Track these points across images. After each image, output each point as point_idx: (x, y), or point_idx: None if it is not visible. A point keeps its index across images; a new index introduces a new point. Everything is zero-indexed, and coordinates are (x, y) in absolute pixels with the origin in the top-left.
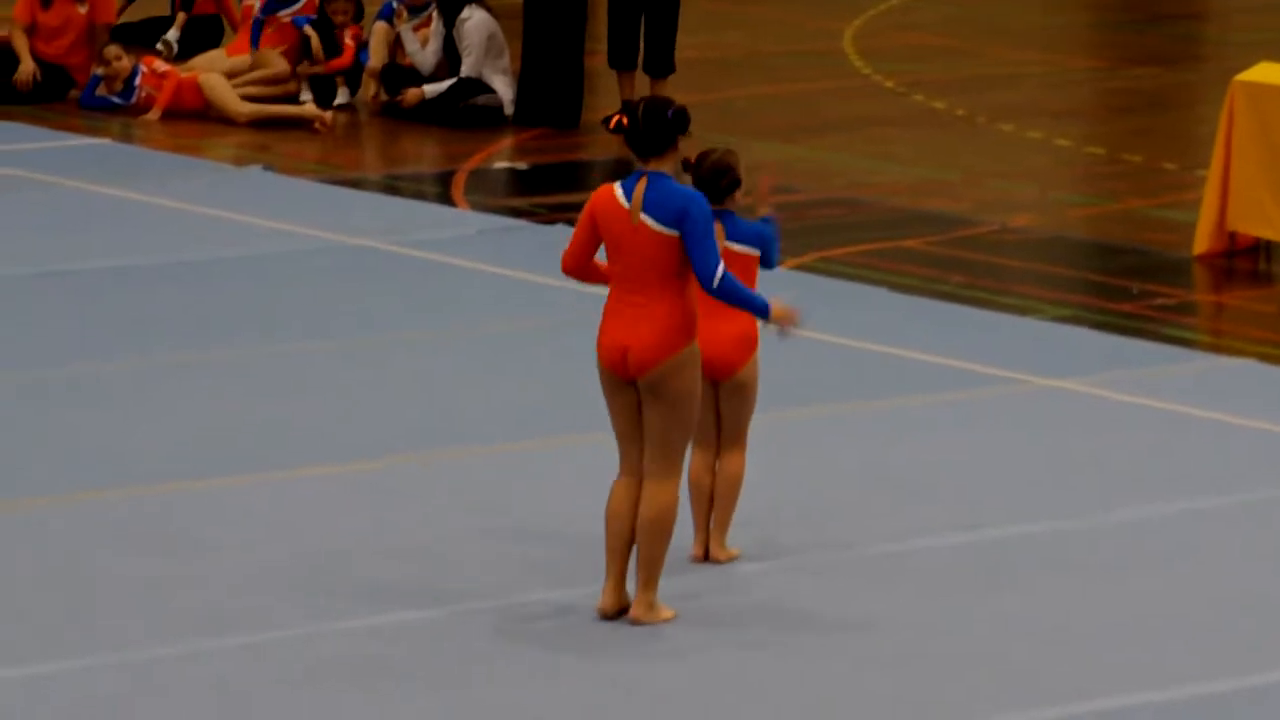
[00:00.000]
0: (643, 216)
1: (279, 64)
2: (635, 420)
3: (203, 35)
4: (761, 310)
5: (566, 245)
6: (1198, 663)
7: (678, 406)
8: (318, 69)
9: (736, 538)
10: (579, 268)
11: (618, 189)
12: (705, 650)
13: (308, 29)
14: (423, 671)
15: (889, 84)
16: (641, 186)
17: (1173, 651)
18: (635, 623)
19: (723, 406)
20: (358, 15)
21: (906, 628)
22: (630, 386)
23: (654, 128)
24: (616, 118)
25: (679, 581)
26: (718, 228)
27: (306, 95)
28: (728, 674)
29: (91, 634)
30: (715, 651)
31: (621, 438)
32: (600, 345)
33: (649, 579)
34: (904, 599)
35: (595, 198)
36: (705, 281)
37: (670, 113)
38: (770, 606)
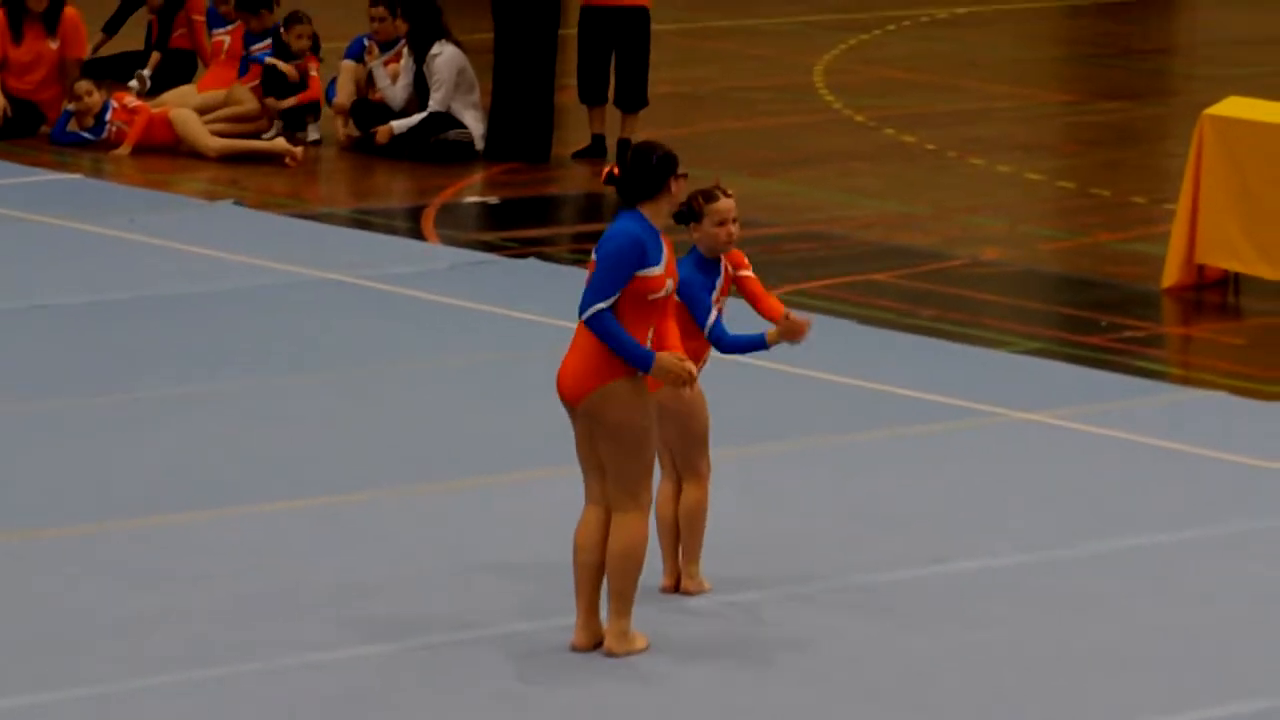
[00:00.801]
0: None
1: (249, 101)
2: (592, 449)
3: (176, 70)
4: (637, 362)
5: (540, 280)
6: (1165, 695)
7: (620, 437)
8: (287, 103)
9: (708, 569)
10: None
11: None
12: (677, 680)
13: (270, 60)
14: (403, 704)
15: (859, 118)
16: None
17: (1141, 683)
18: (609, 654)
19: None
20: (314, 47)
21: (878, 659)
22: (578, 415)
23: (640, 173)
24: (607, 169)
25: (649, 611)
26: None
27: (274, 131)
28: (699, 703)
29: (71, 667)
30: (687, 681)
31: (583, 465)
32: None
33: (619, 610)
34: (875, 631)
35: None
36: (580, 312)
37: (655, 157)
38: (742, 637)
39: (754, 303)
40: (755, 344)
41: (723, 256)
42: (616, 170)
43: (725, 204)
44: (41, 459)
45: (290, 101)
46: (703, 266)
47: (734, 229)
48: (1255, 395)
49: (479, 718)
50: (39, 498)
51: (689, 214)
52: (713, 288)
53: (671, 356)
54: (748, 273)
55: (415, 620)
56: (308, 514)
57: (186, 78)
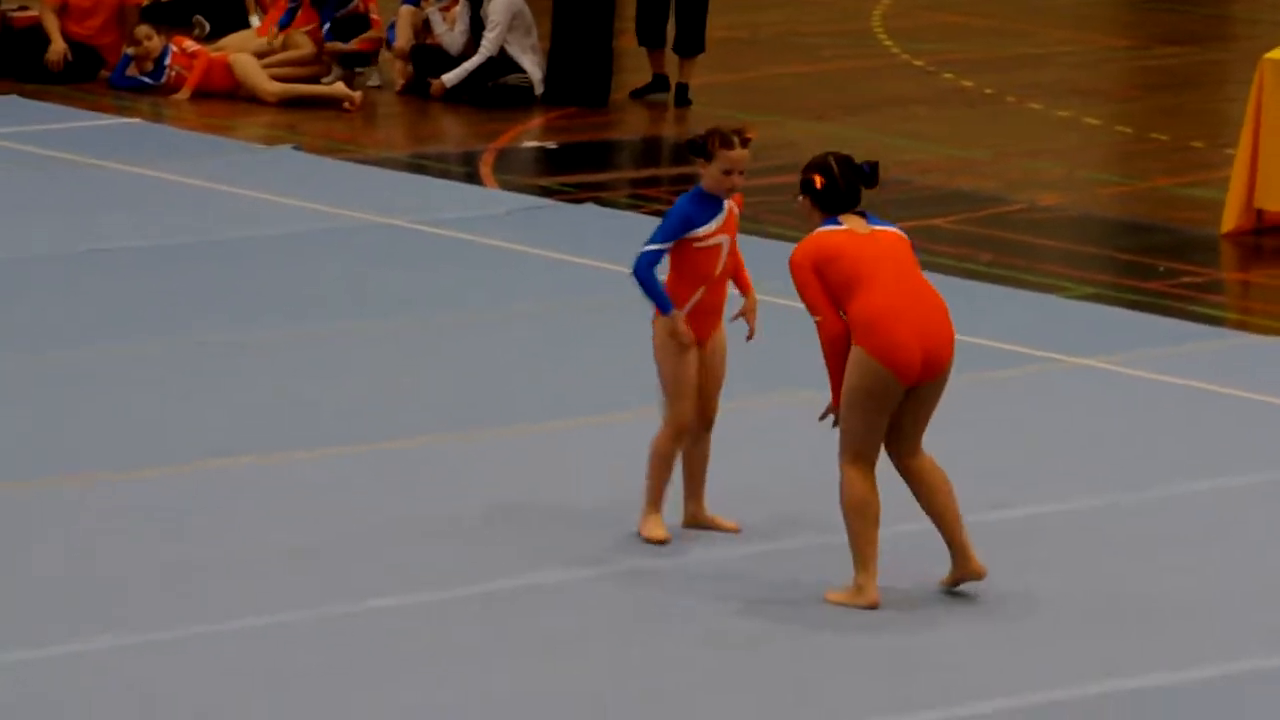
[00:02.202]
0: None
1: (306, 45)
2: (925, 413)
3: (231, 13)
4: (660, 305)
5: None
6: (1225, 641)
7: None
8: (350, 46)
9: (756, 512)
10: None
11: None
12: (729, 628)
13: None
14: (456, 651)
15: (918, 63)
16: None
17: (1202, 630)
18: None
19: None
20: None
21: (935, 604)
22: (939, 380)
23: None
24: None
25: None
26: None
27: (333, 75)
28: (754, 651)
29: (120, 613)
30: (741, 629)
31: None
32: None
33: (854, 558)
34: (933, 577)
35: None
36: None
37: (867, 168)
38: (797, 582)
39: (733, 270)
40: (661, 304)
41: (729, 200)
42: (820, 182)
43: (739, 154)
44: (99, 404)
45: (353, 45)
46: (704, 203)
47: (739, 180)
48: None
49: (533, 665)
50: (94, 442)
51: (701, 149)
52: (705, 224)
53: (679, 318)
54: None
55: (472, 566)
56: (364, 459)
57: (243, 22)
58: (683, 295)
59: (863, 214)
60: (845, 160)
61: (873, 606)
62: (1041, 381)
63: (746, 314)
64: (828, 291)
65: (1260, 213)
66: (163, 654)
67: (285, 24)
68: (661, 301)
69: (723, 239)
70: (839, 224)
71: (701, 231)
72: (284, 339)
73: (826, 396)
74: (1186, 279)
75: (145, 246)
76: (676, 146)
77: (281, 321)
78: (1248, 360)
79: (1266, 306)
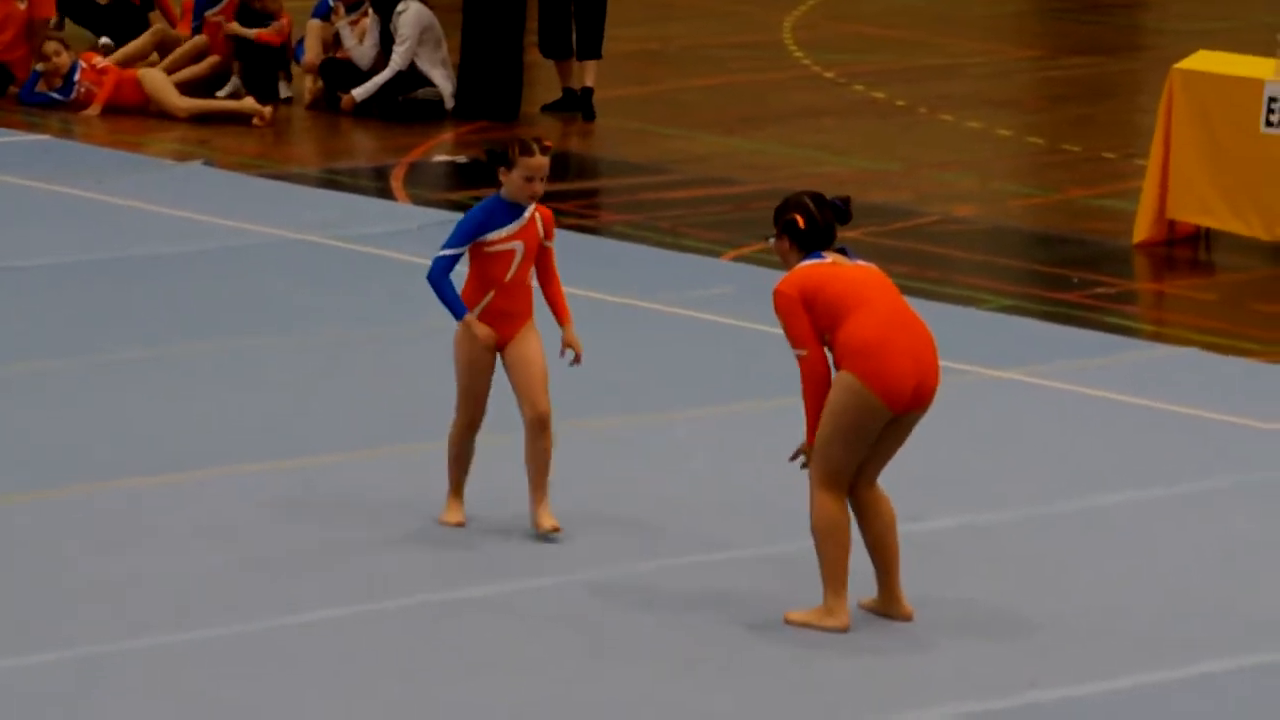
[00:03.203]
0: None
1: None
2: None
3: (128, 21)
4: (455, 311)
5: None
6: (1140, 654)
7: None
8: (247, 33)
9: (685, 526)
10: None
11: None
12: (671, 643)
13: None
14: (398, 664)
15: (829, 75)
16: None
17: (1115, 642)
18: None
19: None
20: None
21: (854, 617)
22: (920, 412)
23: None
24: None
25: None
26: None
27: (233, 85)
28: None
29: (53, 630)
30: (687, 641)
31: (877, 459)
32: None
33: (823, 580)
34: (852, 590)
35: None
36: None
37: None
38: (721, 596)
39: (544, 281)
40: (453, 309)
41: (532, 206)
42: (802, 222)
43: (539, 161)
44: (11, 422)
45: (254, 33)
46: (500, 210)
47: (540, 186)
48: (1227, 351)
49: (469, 681)
50: (11, 461)
51: (502, 158)
52: (498, 229)
53: (472, 321)
54: (551, 243)
55: (393, 579)
56: (281, 476)
57: (139, 28)
58: (474, 298)
59: (842, 250)
60: (819, 197)
61: (843, 629)
62: (956, 393)
63: (568, 346)
64: (814, 324)
65: (1172, 223)
66: (96, 669)
67: (198, 28)
68: (453, 306)
69: (517, 245)
70: (822, 258)
71: (492, 236)
72: (195, 355)
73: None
74: (1100, 290)
75: (55, 264)
76: (586, 160)
77: (194, 339)
78: (1162, 371)
79: (1180, 317)
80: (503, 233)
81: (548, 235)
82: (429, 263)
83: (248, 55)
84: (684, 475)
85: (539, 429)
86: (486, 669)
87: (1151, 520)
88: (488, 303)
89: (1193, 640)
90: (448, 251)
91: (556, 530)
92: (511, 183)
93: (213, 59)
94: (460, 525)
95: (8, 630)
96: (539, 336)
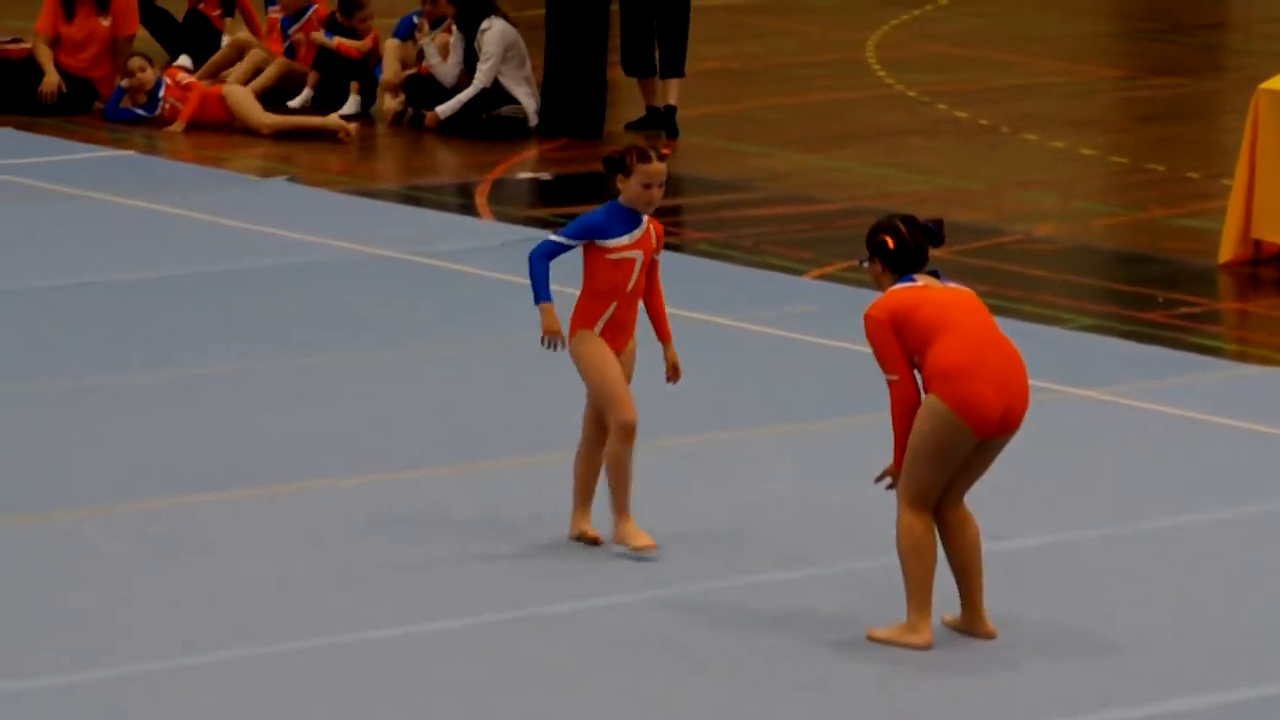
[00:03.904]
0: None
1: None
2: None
3: (203, 39)
4: (539, 294)
5: None
6: (1221, 672)
7: None
8: (327, 43)
9: (757, 541)
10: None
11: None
12: (734, 662)
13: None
14: (443, 683)
15: (912, 93)
16: None
17: (1197, 660)
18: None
19: None
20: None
21: (938, 635)
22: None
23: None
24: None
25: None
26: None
27: (305, 96)
28: (762, 674)
29: (111, 647)
30: (754, 659)
31: (965, 479)
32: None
33: (907, 598)
34: (935, 607)
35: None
36: None
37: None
38: (789, 614)
39: (649, 295)
40: (537, 290)
41: (647, 219)
42: (892, 243)
43: (656, 168)
44: (90, 435)
45: (336, 41)
46: (619, 216)
47: (657, 193)
48: None
49: (521, 700)
50: (92, 474)
51: (620, 165)
52: (617, 235)
53: (551, 313)
54: (658, 257)
55: (467, 598)
56: (361, 492)
57: (215, 44)
58: (597, 310)
59: (934, 273)
60: (911, 220)
61: (926, 647)
62: (1039, 413)
63: (672, 369)
64: (904, 349)
65: (1258, 243)
66: (151, 687)
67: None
68: (538, 288)
69: (637, 254)
70: (914, 280)
71: (613, 243)
72: (279, 371)
73: (818, 427)
74: (1184, 310)
75: (139, 279)
76: (669, 177)
77: (276, 354)
78: (1246, 391)
79: (1265, 337)
80: (623, 240)
81: (658, 247)
82: (511, 279)
83: (326, 65)
84: (765, 493)
85: (605, 441)
86: (564, 688)
87: (1232, 539)
88: (611, 314)
89: (1267, 661)
90: (557, 238)
91: (651, 547)
92: (629, 189)
93: (281, 62)
94: (652, 548)
95: (74, 645)
96: (635, 349)
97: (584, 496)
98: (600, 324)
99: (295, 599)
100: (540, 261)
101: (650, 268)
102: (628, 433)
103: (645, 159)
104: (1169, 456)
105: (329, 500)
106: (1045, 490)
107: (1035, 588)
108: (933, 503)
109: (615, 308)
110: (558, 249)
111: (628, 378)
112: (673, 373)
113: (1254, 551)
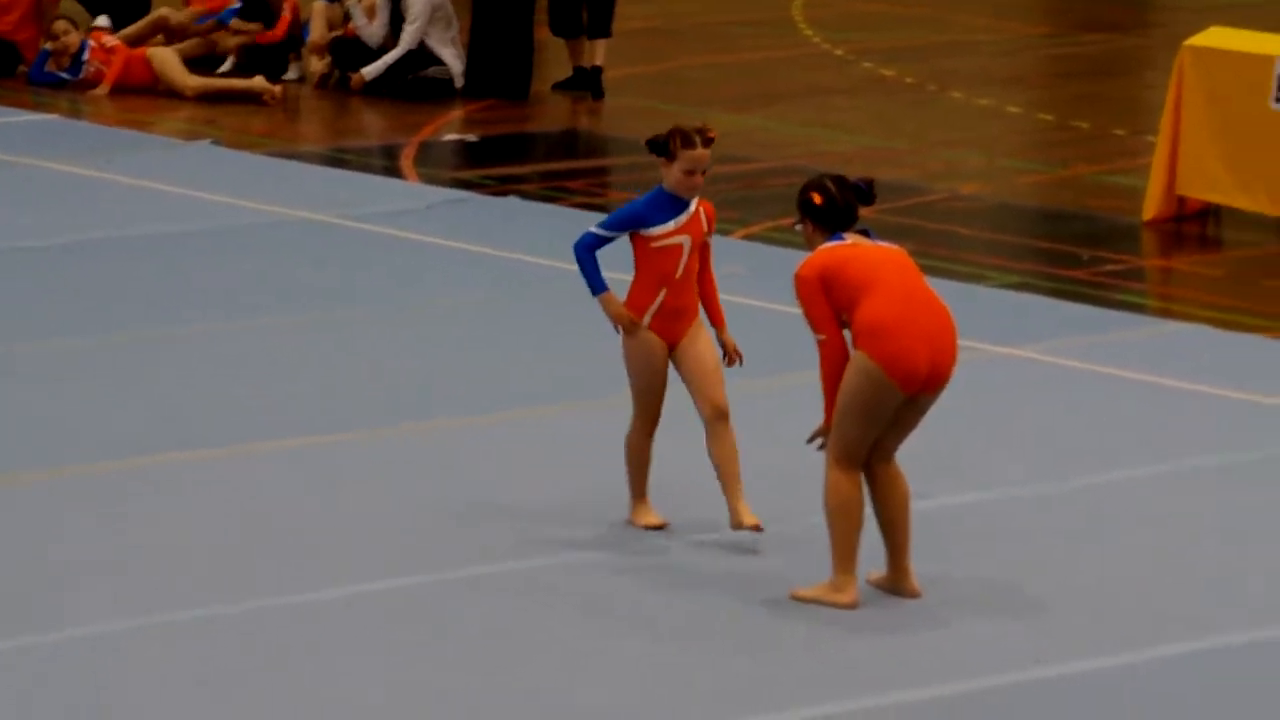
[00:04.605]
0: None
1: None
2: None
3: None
4: (594, 286)
5: (520, 218)
6: (1148, 628)
7: None
8: (245, 38)
9: (682, 506)
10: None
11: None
12: (661, 620)
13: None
14: (379, 647)
15: (838, 52)
16: None
17: (1119, 618)
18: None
19: None
20: None
21: (866, 595)
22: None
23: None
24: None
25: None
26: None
27: (230, 63)
28: (700, 635)
29: (55, 609)
30: (682, 615)
31: (894, 437)
32: None
33: (833, 557)
34: (862, 567)
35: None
36: None
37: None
38: (724, 571)
39: (700, 278)
40: (592, 282)
41: (696, 201)
42: (819, 199)
43: (700, 154)
44: (17, 401)
45: (246, 38)
46: (663, 202)
47: (700, 180)
48: (1235, 327)
49: (462, 659)
50: (22, 439)
51: (663, 149)
52: (662, 223)
53: (613, 299)
54: (710, 239)
55: (407, 560)
56: (287, 455)
57: (139, 10)
58: (645, 299)
59: (864, 231)
60: (840, 179)
61: (851, 606)
62: (964, 371)
63: (732, 352)
64: (833, 308)
65: (1182, 200)
66: (100, 648)
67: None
68: (592, 280)
69: (684, 239)
70: (843, 239)
71: (658, 230)
72: (204, 335)
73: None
74: (1109, 267)
75: (63, 243)
76: (595, 138)
77: (205, 318)
78: (1170, 347)
79: (1188, 293)
80: (669, 226)
81: (709, 229)
82: (437, 242)
83: (254, 51)
84: (693, 455)
85: (720, 423)
86: (500, 646)
87: (1157, 496)
88: (661, 301)
89: (1196, 616)
90: (598, 230)
91: (758, 528)
92: (672, 175)
93: (203, 41)
94: (663, 526)
95: (7, 609)
96: (708, 333)
97: (639, 487)
98: (650, 313)
99: (232, 562)
100: (585, 254)
101: (702, 250)
102: (645, 426)
103: (689, 144)
104: (1094, 413)
105: (266, 463)
106: (970, 448)
107: (961, 546)
108: (861, 461)
109: (665, 294)
110: (599, 241)
111: (706, 358)
112: (735, 355)
113: (1179, 508)
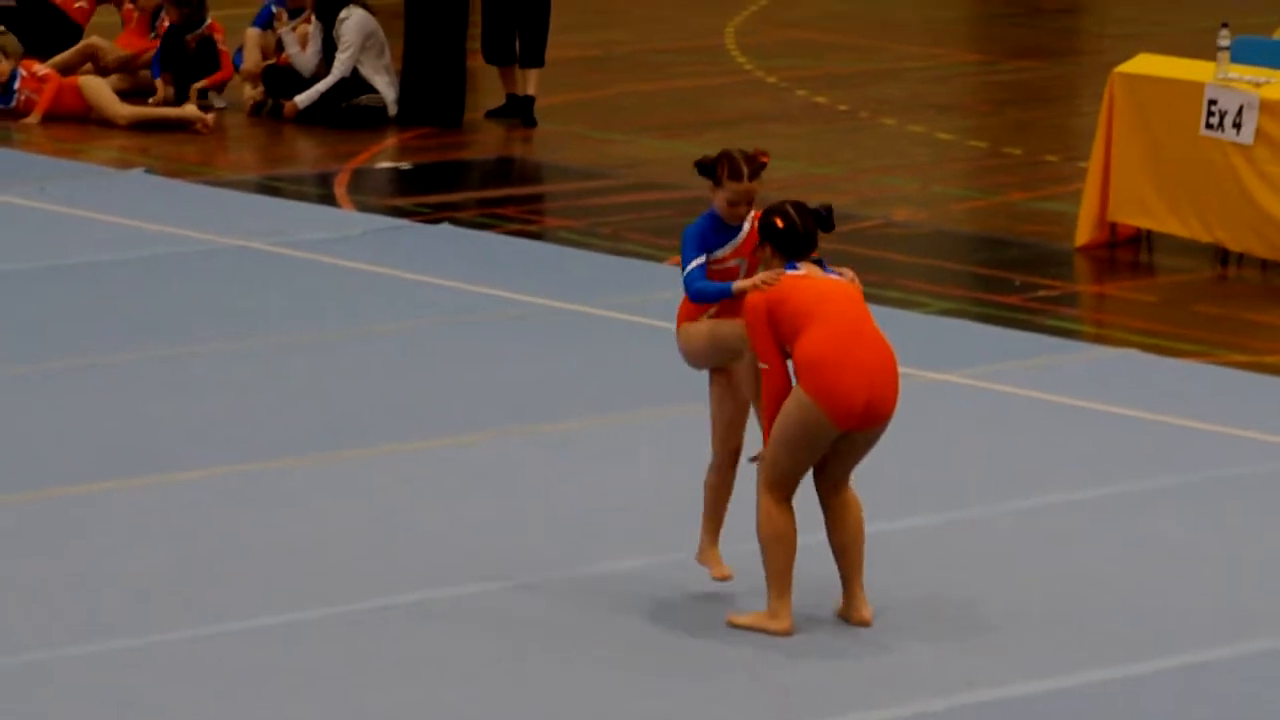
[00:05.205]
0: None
1: (114, 52)
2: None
3: (57, 31)
4: (726, 293)
5: (454, 246)
6: (1086, 652)
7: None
8: (202, 83)
9: (619, 530)
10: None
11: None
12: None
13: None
14: (320, 672)
15: (771, 79)
16: None
17: (1061, 641)
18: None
19: None
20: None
21: (803, 621)
22: (878, 430)
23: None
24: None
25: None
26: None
27: (161, 96)
28: (638, 659)
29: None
30: (614, 647)
31: (840, 474)
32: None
33: (767, 584)
34: (797, 594)
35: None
36: None
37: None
38: (668, 600)
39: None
40: (722, 292)
41: (749, 220)
42: (780, 223)
43: (746, 188)
44: None
45: (203, 83)
46: (718, 226)
47: (745, 211)
48: (1168, 353)
49: (398, 688)
50: None
51: (711, 173)
52: (720, 246)
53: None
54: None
55: (336, 587)
56: (221, 482)
57: (69, 40)
58: (699, 311)
59: (818, 262)
60: (800, 205)
61: (786, 633)
62: (900, 397)
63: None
64: (776, 336)
65: (1113, 226)
66: (29, 675)
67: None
68: (720, 290)
69: (740, 262)
70: (796, 269)
71: (719, 254)
72: (138, 362)
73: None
74: (1042, 293)
75: None
76: (529, 166)
77: (138, 345)
78: (1102, 372)
79: (1120, 319)
80: (726, 250)
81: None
82: (371, 269)
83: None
84: (628, 479)
85: (728, 463)
86: (438, 674)
87: (1090, 521)
88: (713, 314)
89: (1128, 639)
90: (691, 266)
91: (728, 578)
92: (717, 201)
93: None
94: (725, 578)
95: None
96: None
97: (712, 525)
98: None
99: (159, 590)
100: (699, 284)
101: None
102: (734, 456)
103: (736, 176)
104: (1028, 439)
105: (186, 491)
106: (907, 474)
107: (901, 571)
108: (793, 489)
109: (715, 313)
110: (701, 270)
111: (743, 399)
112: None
113: (1114, 532)
